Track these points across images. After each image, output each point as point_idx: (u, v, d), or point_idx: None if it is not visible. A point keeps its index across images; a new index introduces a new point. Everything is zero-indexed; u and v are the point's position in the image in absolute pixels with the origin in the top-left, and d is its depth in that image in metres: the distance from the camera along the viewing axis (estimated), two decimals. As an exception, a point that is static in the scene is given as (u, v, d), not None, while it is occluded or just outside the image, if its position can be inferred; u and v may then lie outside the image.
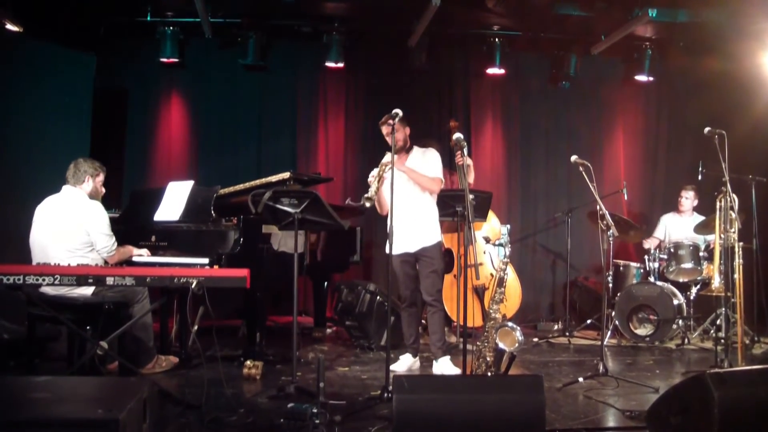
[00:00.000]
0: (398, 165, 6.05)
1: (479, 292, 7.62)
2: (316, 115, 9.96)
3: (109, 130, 9.28)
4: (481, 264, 7.70)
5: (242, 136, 9.79)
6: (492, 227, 8.18)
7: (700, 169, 7.19)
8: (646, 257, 8.54)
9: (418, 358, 6.71)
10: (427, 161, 6.45)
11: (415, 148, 6.53)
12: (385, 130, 6.22)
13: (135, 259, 6.32)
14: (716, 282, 6.89)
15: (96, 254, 5.83)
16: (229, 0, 8.59)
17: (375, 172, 6.02)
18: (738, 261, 6.63)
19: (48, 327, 6.01)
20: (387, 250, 5.96)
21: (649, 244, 8.77)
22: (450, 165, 8.56)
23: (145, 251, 6.41)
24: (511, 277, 8.02)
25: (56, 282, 4.74)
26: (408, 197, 6.28)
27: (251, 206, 6.34)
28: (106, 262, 5.89)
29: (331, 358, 7.03)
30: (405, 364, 6.60)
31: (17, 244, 6.14)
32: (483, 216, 6.61)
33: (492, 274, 7.69)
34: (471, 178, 7.68)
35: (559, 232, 9.85)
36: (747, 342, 7.57)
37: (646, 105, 10.44)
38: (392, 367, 6.19)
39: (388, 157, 5.98)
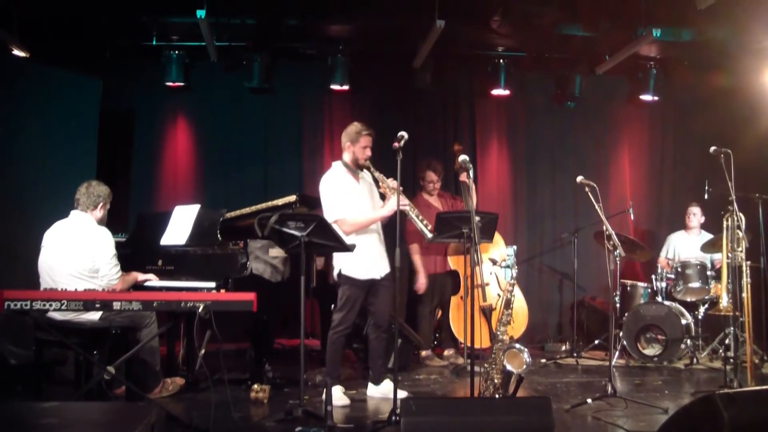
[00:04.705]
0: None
1: (486, 313, 7.60)
2: (322, 136, 9.97)
3: (116, 153, 9.34)
4: (487, 284, 7.69)
5: (248, 159, 9.79)
6: (499, 249, 8.18)
7: (706, 187, 7.17)
8: (653, 277, 8.52)
9: None
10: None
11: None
12: (367, 142, 6.22)
13: (147, 284, 6.34)
14: (724, 301, 6.88)
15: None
16: (234, 23, 8.62)
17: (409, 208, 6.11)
18: (746, 280, 6.62)
19: (55, 351, 6.01)
20: (366, 276, 6.13)
21: (660, 264, 8.78)
22: (455, 189, 8.60)
23: (152, 276, 6.42)
24: (518, 298, 8.02)
25: (63, 307, 4.74)
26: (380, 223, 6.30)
27: (258, 230, 6.33)
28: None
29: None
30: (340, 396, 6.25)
31: (24, 268, 6.14)
32: (489, 237, 6.60)
33: (498, 295, 7.67)
34: (474, 202, 7.70)
35: (565, 252, 9.84)
36: (756, 361, 7.54)
37: (652, 124, 10.43)
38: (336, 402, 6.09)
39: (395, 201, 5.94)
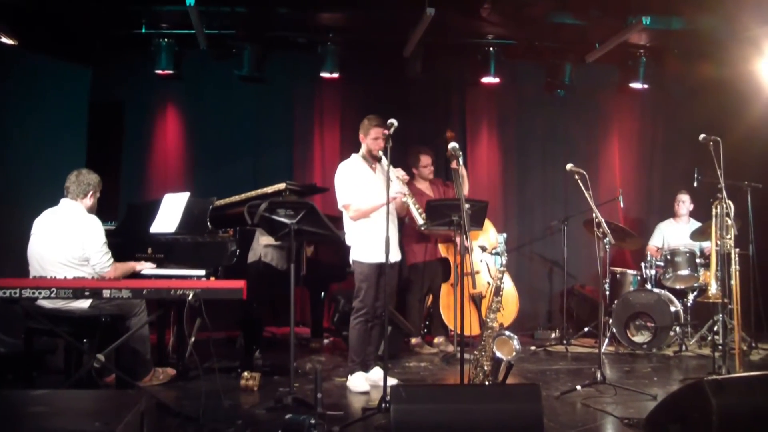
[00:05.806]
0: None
1: (476, 300, 7.60)
2: (312, 125, 9.95)
3: (105, 142, 9.28)
4: (477, 272, 7.69)
5: (238, 147, 9.76)
6: (489, 237, 8.17)
7: (695, 175, 7.19)
8: (642, 264, 8.55)
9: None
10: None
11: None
12: (377, 134, 6.26)
13: (144, 272, 6.31)
14: (713, 288, 6.89)
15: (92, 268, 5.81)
16: (224, 11, 8.58)
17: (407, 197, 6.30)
18: (734, 267, 6.64)
19: (45, 340, 6.00)
20: (374, 259, 6.16)
21: (650, 251, 8.83)
22: (446, 175, 8.59)
23: (148, 264, 6.40)
24: (509, 285, 8.02)
25: (53, 295, 4.73)
26: (392, 209, 6.30)
27: (247, 217, 6.33)
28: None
29: (328, 369, 7.03)
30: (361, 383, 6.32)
31: (15, 257, 6.13)
32: (479, 225, 6.58)
33: (489, 283, 7.68)
34: (466, 189, 7.65)
35: (555, 240, 9.84)
36: (744, 348, 7.57)
37: (642, 112, 10.44)
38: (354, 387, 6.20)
39: (400, 187, 6.20)
